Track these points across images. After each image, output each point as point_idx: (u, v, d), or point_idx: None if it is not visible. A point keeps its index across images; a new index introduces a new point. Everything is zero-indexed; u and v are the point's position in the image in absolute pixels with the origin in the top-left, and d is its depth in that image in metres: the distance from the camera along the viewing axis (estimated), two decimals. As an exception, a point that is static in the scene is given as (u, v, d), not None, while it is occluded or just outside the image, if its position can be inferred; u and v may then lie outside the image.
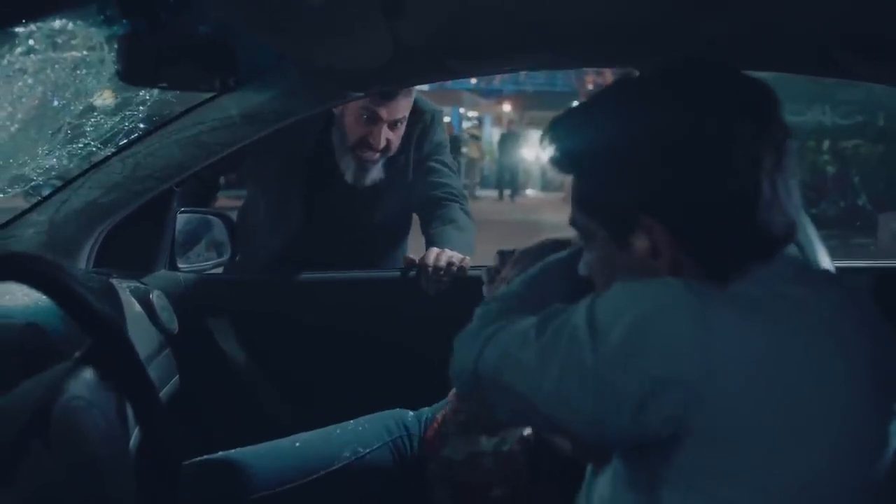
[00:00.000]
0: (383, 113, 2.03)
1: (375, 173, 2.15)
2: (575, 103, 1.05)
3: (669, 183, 0.87)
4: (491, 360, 0.94)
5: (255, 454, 1.49)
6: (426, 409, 1.64)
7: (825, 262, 1.12)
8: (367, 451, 1.53)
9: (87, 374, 0.80)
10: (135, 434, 1.00)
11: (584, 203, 0.96)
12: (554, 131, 0.98)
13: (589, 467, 1.05)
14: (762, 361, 0.80)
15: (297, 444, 1.53)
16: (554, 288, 1.09)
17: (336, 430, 1.57)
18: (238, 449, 1.50)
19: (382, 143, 2.08)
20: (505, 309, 1.03)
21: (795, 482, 0.81)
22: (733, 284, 0.85)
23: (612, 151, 0.91)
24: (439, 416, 1.55)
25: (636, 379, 0.80)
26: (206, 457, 1.48)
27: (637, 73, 1.00)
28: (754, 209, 0.86)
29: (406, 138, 2.17)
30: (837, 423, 0.82)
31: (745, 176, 0.85)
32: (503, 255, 1.33)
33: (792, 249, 0.91)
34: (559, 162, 0.98)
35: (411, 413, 1.63)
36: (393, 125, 2.08)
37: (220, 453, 1.49)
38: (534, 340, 0.89)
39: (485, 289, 1.35)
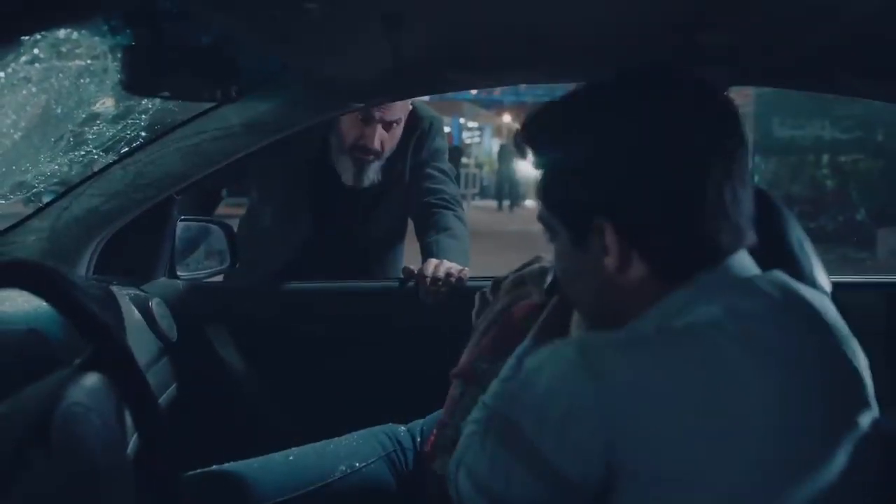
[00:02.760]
0: (378, 114, 2.06)
1: (372, 174, 2.17)
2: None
3: (621, 186, 0.90)
4: (465, 488, 0.97)
5: (248, 467, 1.48)
6: (419, 421, 1.63)
7: (822, 277, 1.12)
8: (363, 464, 1.52)
9: (87, 380, 0.81)
10: (132, 441, 1.00)
11: (546, 199, 0.99)
12: (527, 125, 1.02)
13: None
14: (659, 394, 0.82)
15: (291, 458, 1.52)
16: None
17: (329, 445, 1.56)
18: (231, 463, 1.50)
19: (377, 145, 2.10)
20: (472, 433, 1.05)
21: None
22: (635, 325, 0.89)
23: (572, 152, 0.94)
24: (435, 430, 1.54)
25: (560, 441, 0.85)
26: (200, 470, 1.48)
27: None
28: (700, 216, 0.88)
29: (404, 144, 2.19)
30: (768, 446, 0.81)
31: (691, 182, 0.88)
32: (497, 284, 1.31)
33: (744, 264, 0.92)
34: (526, 157, 1.01)
35: (403, 428, 1.63)
36: (388, 126, 2.10)
37: (214, 467, 1.49)
38: (480, 450, 0.94)
39: (474, 315, 1.32)
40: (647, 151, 0.89)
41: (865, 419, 0.87)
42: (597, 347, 0.86)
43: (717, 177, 0.88)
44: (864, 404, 0.88)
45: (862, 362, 0.90)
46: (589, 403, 0.83)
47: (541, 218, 1.02)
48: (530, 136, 1.01)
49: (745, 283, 0.90)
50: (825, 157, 13.31)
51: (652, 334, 0.86)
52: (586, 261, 0.94)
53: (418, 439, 1.60)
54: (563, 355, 0.88)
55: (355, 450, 1.54)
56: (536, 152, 1.00)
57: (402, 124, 2.14)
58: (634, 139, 0.89)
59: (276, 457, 1.51)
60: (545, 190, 0.99)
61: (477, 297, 1.34)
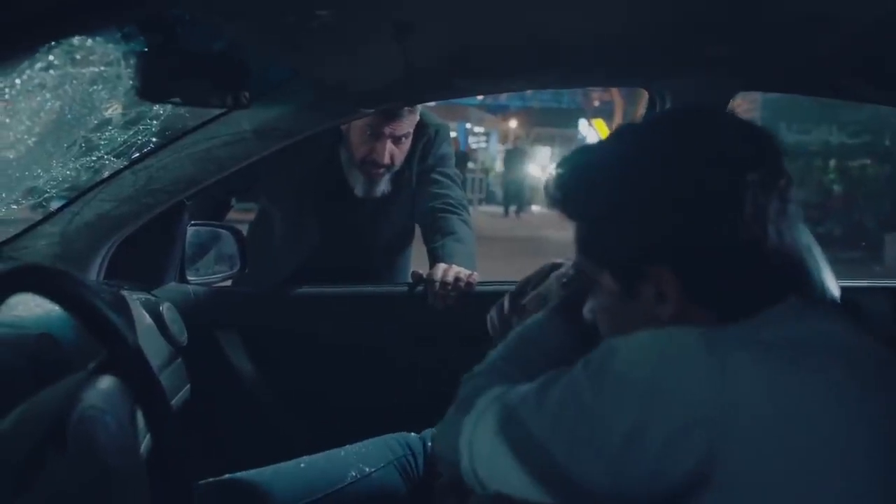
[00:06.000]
0: (387, 129, 2.08)
1: (384, 185, 2.21)
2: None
3: (678, 232, 0.87)
4: (487, 437, 0.89)
5: (260, 476, 1.49)
6: (429, 430, 1.64)
7: (831, 283, 1.12)
8: (373, 469, 1.53)
9: (102, 383, 0.81)
10: (145, 442, 1.01)
11: (590, 251, 0.96)
12: (558, 176, 0.97)
13: None
14: (780, 404, 0.77)
15: (302, 465, 1.53)
16: (537, 351, 1.06)
17: (340, 453, 1.57)
18: (242, 472, 1.51)
19: (387, 159, 2.12)
20: (487, 383, 0.99)
21: None
22: (747, 329, 0.83)
23: (619, 201, 0.90)
24: None
25: (656, 428, 0.78)
26: (212, 479, 1.48)
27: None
28: (762, 255, 0.86)
29: (411, 151, 2.22)
30: (862, 461, 0.78)
31: (753, 224, 0.85)
32: (517, 297, 1.27)
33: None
34: (563, 208, 0.97)
35: (414, 435, 1.64)
36: (397, 141, 2.13)
37: (226, 476, 1.49)
38: (535, 405, 0.86)
39: (489, 321, 1.29)
40: (703, 195, 0.86)
41: None
42: (723, 340, 0.80)
43: (776, 216, 0.86)
44: None
45: None
46: (708, 395, 0.76)
47: (580, 268, 0.98)
48: (566, 185, 0.96)
49: (815, 311, 0.87)
50: (832, 162, 13.29)
51: (770, 340, 0.81)
52: (637, 309, 0.90)
53: (429, 443, 1.60)
54: (681, 340, 0.81)
55: (365, 455, 1.55)
56: (573, 202, 0.96)
57: (410, 137, 2.17)
58: (689, 183, 0.87)
59: (288, 464, 1.52)
60: (588, 241, 0.96)
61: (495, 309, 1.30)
